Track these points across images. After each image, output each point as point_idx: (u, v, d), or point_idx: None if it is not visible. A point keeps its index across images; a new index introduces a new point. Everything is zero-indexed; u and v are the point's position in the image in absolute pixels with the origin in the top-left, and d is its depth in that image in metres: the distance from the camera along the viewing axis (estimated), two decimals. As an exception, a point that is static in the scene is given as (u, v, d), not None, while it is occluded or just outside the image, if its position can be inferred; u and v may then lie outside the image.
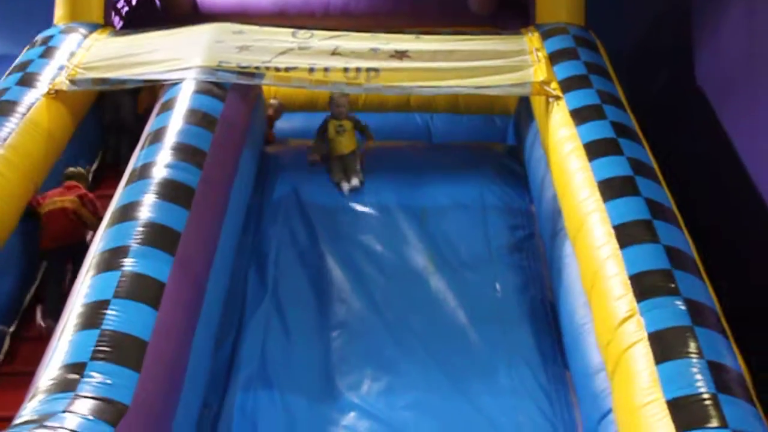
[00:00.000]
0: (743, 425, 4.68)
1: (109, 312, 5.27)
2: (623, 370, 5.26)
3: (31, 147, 7.55)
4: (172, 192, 6.35)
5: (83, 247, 6.55)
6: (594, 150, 6.86)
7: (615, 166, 6.65)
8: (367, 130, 8.38)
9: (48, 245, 7.34)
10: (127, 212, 6.12)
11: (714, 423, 4.66)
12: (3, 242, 6.89)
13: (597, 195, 6.43)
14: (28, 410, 4.75)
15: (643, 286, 5.58)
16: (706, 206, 7.25)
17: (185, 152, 6.78)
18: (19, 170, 7.27)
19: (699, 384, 4.88)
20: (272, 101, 9.30)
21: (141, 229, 5.94)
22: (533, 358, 6.49)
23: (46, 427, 4.51)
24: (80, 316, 5.30)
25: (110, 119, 9.07)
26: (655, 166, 6.88)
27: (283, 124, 9.36)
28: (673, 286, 5.54)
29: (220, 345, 6.48)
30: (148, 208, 6.14)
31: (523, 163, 8.39)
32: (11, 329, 7.00)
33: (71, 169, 7.87)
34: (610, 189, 6.44)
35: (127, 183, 6.53)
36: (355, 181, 8.01)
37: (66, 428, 4.52)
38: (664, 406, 4.82)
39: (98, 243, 5.95)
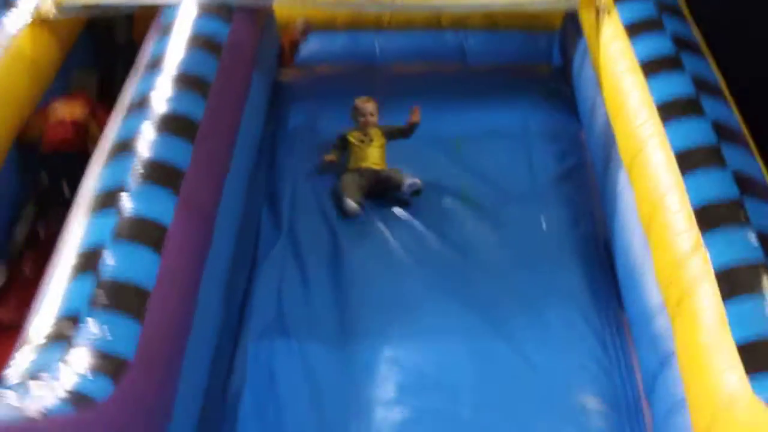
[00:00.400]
0: (823, 369, 4.72)
1: (106, 257, 5.33)
2: (687, 310, 5.31)
3: (14, 80, 7.61)
4: (174, 125, 6.39)
5: (83, 167, 6.59)
6: (651, 67, 6.84)
7: (676, 85, 6.64)
8: (405, 129, 7.72)
9: (48, 150, 7.50)
10: (123, 148, 6.18)
11: (789, 365, 4.71)
12: None
13: (656, 117, 6.44)
14: (18, 365, 4.80)
15: (709, 218, 5.59)
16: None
17: (187, 81, 6.81)
18: (2, 105, 7.35)
19: None
20: (297, 21, 9.07)
21: (140, 166, 5.98)
22: (585, 300, 6.56)
23: (38, 384, 4.55)
24: (74, 261, 5.37)
25: (103, 43, 9.13)
26: (723, 83, 6.87)
27: (296, 47, 9.33)
28: (743, 216, 5.55)
29: (231, 291, 6.57)
30: (147, 143, 6.18)
31: (570, 85, 8.41)
32: None
33: (78, 73, 7.98)
34: (670, 110, 6.43)
35: (124, 115, 6.58)
36: (410, 180, 7.31)
37: (61, 385, 4.57)
38: (734, 349, 4.84)
39: (91, 181, 6.02)
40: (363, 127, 7.64)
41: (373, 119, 7.67)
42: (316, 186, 7.52)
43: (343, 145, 7.64)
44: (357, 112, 7.70)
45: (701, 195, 5.75)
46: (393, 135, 7.70)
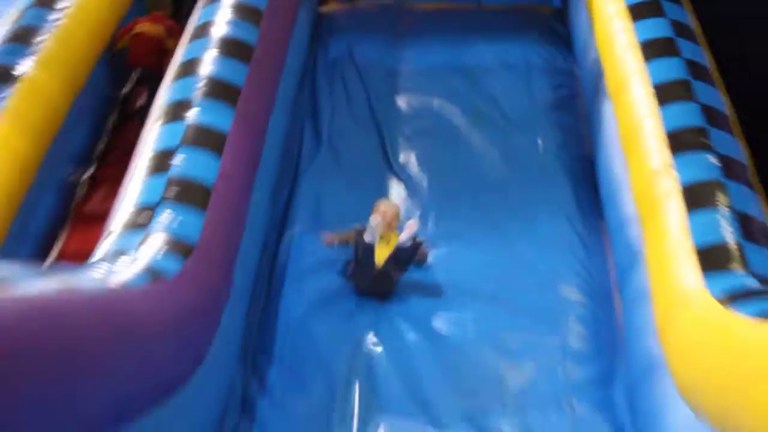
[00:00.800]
0: (764, 271, 4.81)
1: (176, 159, 5.45)
2: (656, 220, 5.39)
3: (98, 11, 7.57)
4: (233, 49, 6.45)
5: (158, 81, 6.66)
6: (637, 12, 6.83)
7: (657, 28, 6.64)
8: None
9: (132, 62, 7.69)
10: (190, 67, 6.25)
11: (737, 267, 4.80)
12: (80, 89, 7.07)
13: (639, 56, 6.43)
14: (105, 246, 4.96)
15: (679, 142, 5.64)
16: (737, 70, 7.10)
17: (244, 11, 6.82)
18: (89, 34, 7.39)
19: (726, 233, 5.01)
20: None
21: (204, 83, 6.06)
22: (571, 209, 6.65)
23: (120, 262, 4.71)
24: (150, 162, 5.48)
25: None
26: (698, 28, 6.86)
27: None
28: (707, 142, 5.60)
29: (278, 191, 6.71)
30: (210, 64, 6.24)
31: (567, 26, 8.38)
32: (87, 175, 7.24)
33: None
34: (651, 50, 6.44)
35: (190, 40, 6.65)
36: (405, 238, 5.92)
37: (138, 263, 4.72)
38: (693, 253, 4.94)
39: (163, 95, 6.10)
40: (384, 228, 6.10)
41: (395, 224, 6.21)
42: (353, 107, 7.53)
43: (358, 236, 6.02)
44: (380, 216, 6.10)
45: (673, 123, 5.79)
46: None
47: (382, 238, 6.05)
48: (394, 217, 6.21)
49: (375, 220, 5.94)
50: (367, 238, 5.90)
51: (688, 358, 4.62)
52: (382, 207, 6.21)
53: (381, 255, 6.01)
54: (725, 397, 4.11)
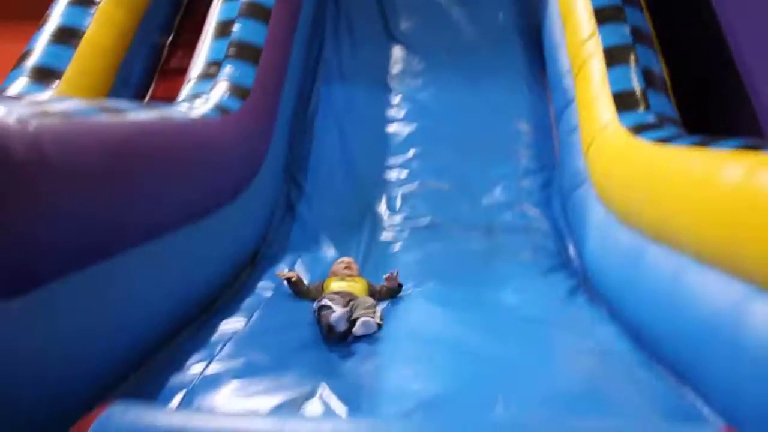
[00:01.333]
0: (660, 109, 4.91)
1: (235, 27, 5.45)
2: (584, 73, 5.41)
3: None
4: None
5: None
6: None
7: None
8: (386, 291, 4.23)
9: None
10: None
11: (642, 107, 4.89)
12: None
13: None
14: (186, 91, 5.05)
15: (602, 16, 5.59)
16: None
17: None
18: None
19: (634, 82, 5.05)
20: None
21: None
22: (523, 65, 6.60)
23: (198, 101, 4.78)
24: (215, 29, 5.49)
25: None
26: None
27: None
28: (623, 16, 5.54)
29: (309, 51, 6.64)
30: None
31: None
32: (170, 39, 7.21)
33: None
34: None
35: None
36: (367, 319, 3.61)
37: (211, 102, 4.80)
38: (610, 97, 5.01)
39: None
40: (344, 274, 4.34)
41: (351, 271, 4.38)
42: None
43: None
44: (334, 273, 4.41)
45: (598, 2, 5.69)
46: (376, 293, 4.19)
47: (344, 279, 4.25)
48: (348, 267, 4.42)
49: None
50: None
51: (605, 171, 4.73)
52: (334, 268, 4.45)
53: (353, 288, 4.11)
54: (628, 195, 4.25)
